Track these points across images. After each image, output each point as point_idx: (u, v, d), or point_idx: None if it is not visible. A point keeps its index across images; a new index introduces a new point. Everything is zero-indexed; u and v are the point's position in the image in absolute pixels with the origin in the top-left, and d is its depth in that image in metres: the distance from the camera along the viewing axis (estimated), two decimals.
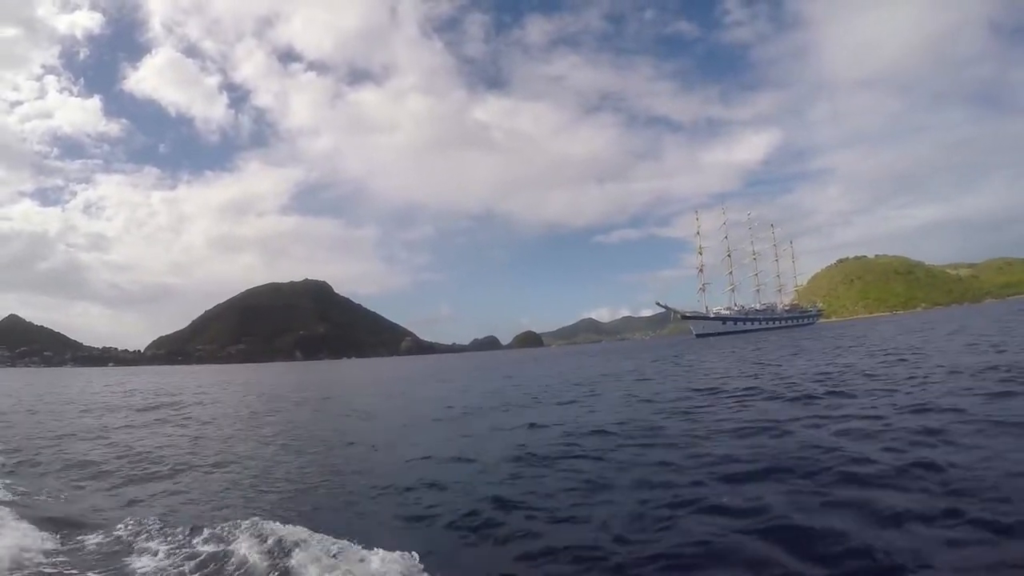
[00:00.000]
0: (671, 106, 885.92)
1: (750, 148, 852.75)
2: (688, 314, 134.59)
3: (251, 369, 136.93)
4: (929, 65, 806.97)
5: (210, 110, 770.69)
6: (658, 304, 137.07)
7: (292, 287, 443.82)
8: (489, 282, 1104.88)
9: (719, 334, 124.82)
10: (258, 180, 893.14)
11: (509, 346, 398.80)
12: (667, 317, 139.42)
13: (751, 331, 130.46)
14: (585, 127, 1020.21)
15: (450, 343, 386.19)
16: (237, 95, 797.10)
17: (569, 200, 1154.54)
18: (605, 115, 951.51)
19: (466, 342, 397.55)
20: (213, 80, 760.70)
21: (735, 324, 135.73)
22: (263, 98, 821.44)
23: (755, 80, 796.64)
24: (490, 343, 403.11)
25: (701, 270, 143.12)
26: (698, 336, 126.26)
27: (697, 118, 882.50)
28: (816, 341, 48.24)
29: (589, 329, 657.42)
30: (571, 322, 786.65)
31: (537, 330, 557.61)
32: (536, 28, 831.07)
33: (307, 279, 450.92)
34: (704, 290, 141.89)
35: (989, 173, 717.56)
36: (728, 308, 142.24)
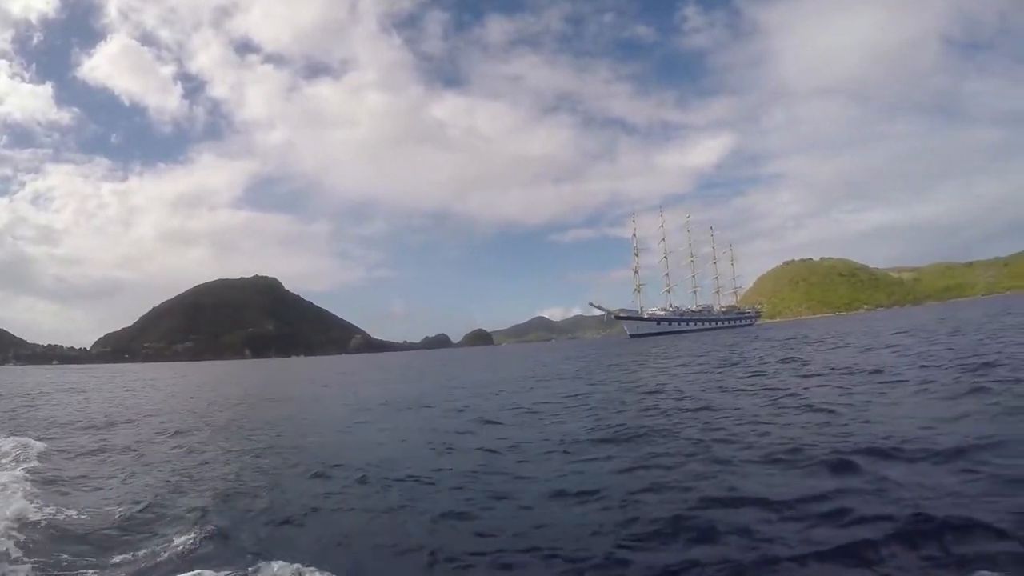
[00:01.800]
0: (627, 108, 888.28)
1: (704, 152, 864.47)
2: (622, 315, 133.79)
3: (187, 367, 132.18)
4: (884, 76, 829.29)
5: (164, 100, 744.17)
6: (591, 305, 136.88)
7: (242, 283, 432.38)
8: (443, 280, 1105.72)
9: (653, 335, 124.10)
10: (211, 173, 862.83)
11: (460, 344, 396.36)
12: (630, 314, 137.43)
13: (686, 332, 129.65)
14: (542, 127, 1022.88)
15: (401, 341, 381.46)
16: (192, 85, 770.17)
17: (524, 199, 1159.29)
18: (562, 116, 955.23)
19: (418, 340, 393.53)
20: (168, 69, 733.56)
21: (669, 325, 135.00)
22: (218, 89, 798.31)
23: (711, 85, 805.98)
24: (441, 341, 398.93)
25: (636, 271, 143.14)
26: (632, 336, 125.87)
27: (653, 121, 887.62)
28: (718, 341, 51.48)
29: (541, 328, 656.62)
30: (524, 320, 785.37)
31: (490, 328, 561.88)
32: (496, 27, 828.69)
33: (257, 275, 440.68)
34: (639, 291, 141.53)
35: (938, 181, 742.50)
36: (663, 309, 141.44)
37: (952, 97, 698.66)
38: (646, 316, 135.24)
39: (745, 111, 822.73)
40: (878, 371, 16.40)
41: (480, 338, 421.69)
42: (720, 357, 30.84)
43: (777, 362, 23.85)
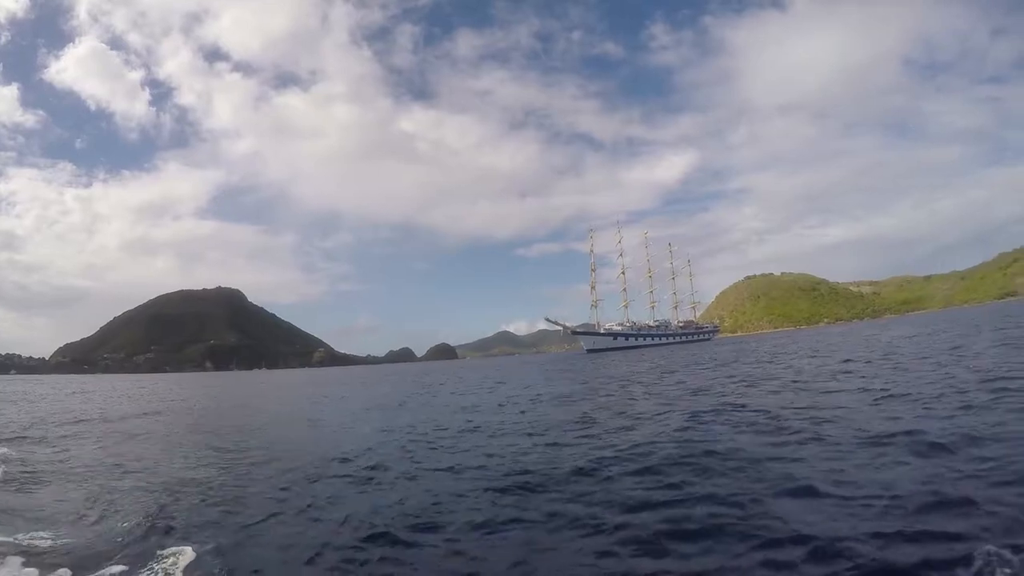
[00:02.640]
0: (594, 124, 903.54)
1: (669, 168, 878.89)
2: (578, 329, 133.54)
3: (146, 380, 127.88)
4: (845, 94, 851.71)
5: (131, 106, 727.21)
6: (547, 320, 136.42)
7: (205, 295, 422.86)
8: (408, 293, 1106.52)
9: (609, 349, 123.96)
10: (176, 181, 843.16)
11: (424, 358, 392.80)
12: (587, 329, 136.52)
13: (642, 347, 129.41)
14: (510, 142, 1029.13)
15: (365, 355, 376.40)
16: (160, 92, 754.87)
17: (491, 213, 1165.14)
18: (529, 131, 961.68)
19: (381, 354, 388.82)
20: (136, 75, 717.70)
21: (626, 340, 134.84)
22: (186, 97, 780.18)
23: (677, 103, 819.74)
24: (405, 355, 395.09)
25: (594, 287, 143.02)
26: (588, 351, 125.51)
27: (619, 137, 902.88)
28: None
29: (505, 342, 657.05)
30: (489, 334, 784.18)
31: (454, 342, 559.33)
32: (466, 42, 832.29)
33: (220, 287, 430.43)
34: (596, 306, 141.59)
35: (897, 197, 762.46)
36: (620, 324, 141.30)
37: (911, 115, 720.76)
38: (602, 331, 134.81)
39: (710, 128, 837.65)
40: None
41: (444, 352, 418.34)
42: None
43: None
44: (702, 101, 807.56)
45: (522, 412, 18.56)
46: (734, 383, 21.37)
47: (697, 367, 34.30)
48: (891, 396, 13.75)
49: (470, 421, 17.17)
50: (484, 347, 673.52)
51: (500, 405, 21.56)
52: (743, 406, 14.57)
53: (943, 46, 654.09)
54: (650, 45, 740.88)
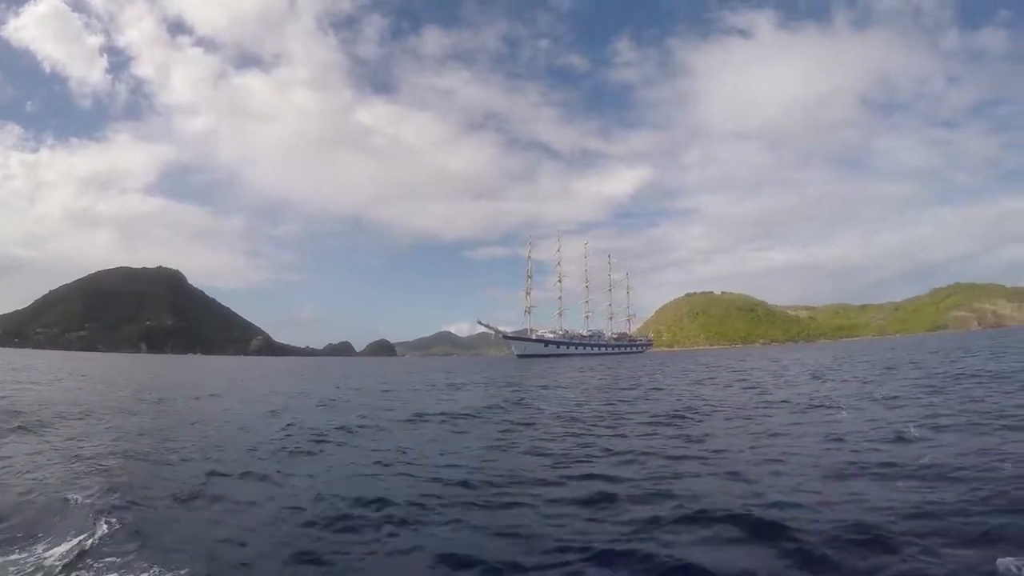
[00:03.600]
0: (552, 133, 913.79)
1: (622, 182, 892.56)
2: (510, 335, 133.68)
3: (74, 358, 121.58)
4: (800, 126, 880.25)
5: (87, 72, 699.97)
6: (480, 323, 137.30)
7: (144, 274, 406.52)
8: (352, 287, 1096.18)
9: (540, 356, 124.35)
10: (127, 154, 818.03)
11: (362, 353, 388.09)
12: (520, 335, 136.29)
13: (573, 355, 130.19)
14: (467, 143, 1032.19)
15: (303, 346, 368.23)
16: (118, 60, 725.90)
17: (442, 213, 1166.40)
18: (488, 134, 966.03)
19: (320, 346, 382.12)
20: (96, 40, 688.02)
21: (557, 347, 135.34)
22: (144, 67, 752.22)
23: (635, 119, 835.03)
24: (344, 349, 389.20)
25: (528, 293, 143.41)
26: (519, 356, 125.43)
27: (575, 148, 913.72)
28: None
29: (445, 342, 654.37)
30: (429, 334, 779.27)
31: (395, 339, 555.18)
32: (433, 39, 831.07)
33: (161, 267, 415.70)
34: (530, 312, 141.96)
35: (842, 228, 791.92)
36: (552, 332, 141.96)
37: (863, 151, 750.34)
38: (534, 338, 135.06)
39: (665, 146, 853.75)
40: None
41: (383, 349, 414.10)
42: None
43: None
44: (660, 120, 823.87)
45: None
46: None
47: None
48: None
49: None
50: (424, 346, 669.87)
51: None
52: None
53: (901, 88, 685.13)
54: (614, 60, 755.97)
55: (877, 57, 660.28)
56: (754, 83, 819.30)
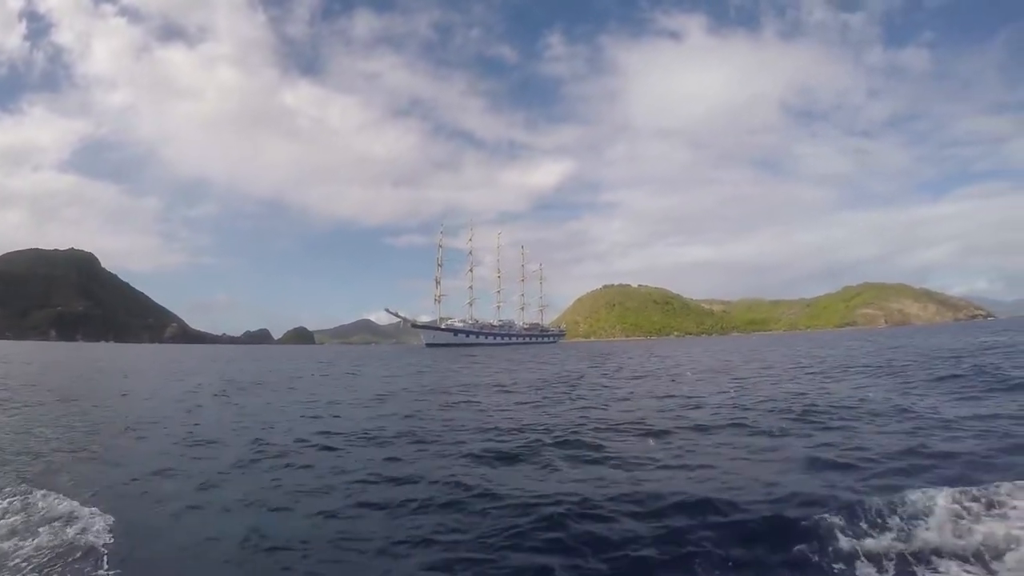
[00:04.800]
0: (478, 123, 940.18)
1: (546, 174, 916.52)
2: (419, 323, 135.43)
3: None
4: (722, 128, 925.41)
5: (5, 37, 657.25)
6: (387, 311, 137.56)
7: (56, 256, 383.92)
8: (272, 272, 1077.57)
9: (449, 345, 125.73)
10: (41, 128, 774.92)
11: (281, 341, 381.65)
12: (431, 324, 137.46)
13: (483, 345, 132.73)
14: (391, 129, 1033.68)
15: (220, 333, 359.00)
16: (38, 26, 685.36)
17: (364, 199, 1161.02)
18: (413, 120, 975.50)
19: (238, 333, 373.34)
20: (15, 3, 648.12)
21: (467, 337, 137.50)
22: (64, 35, 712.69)
23: (562, 113, 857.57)
24: (262, 336, 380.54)
25: (439, 281, 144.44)
26: (428, 345, 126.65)
27: (501, 138, 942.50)
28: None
29: (366, 330, 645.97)
30: (349, 321, 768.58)
31: (314, 327, 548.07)
32: (364, 22, 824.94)
33: (73, 248, 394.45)
34: (439, 301, 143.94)
35: (758, 227, 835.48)
36: (462, 321, 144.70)
37: (782, 155, 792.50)
38: (443, 327, 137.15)
39: (590, 141, 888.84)
40: None
41: (301, 337, 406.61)
42: None
43: None
44: (586, 115, 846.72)
45: None
46: None
47: None
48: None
49: None
50: (344, 334, 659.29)
51: None
52: None
53: (822, 97, 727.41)
54: (544, 54, 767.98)
55: (802, 67, 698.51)
56: (681, 84, 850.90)
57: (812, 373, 22.61)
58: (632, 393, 18.60)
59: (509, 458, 9.15)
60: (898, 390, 15.28)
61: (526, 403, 16.57)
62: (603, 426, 11.69)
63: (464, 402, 17.62)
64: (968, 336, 48.05)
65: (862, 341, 56.28)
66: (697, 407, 13.97)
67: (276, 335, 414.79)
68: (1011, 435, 9.08)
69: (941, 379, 17.09)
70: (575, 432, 10.95)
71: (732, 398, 15.23)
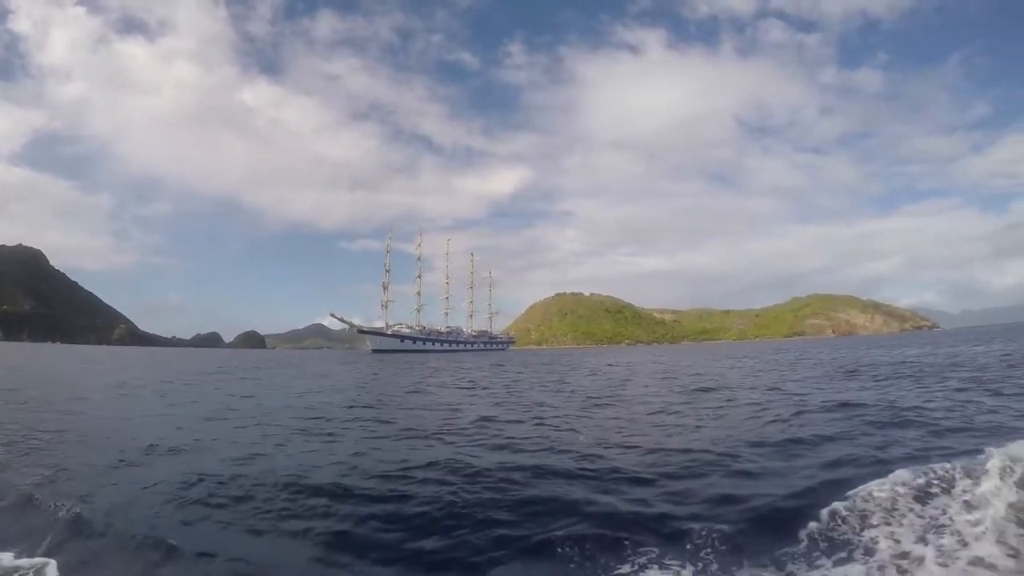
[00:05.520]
0: (436, 128, 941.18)
1: (502, 181, 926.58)
2: (365, 329, 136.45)
3: None
4: (677, 141, 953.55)
5: None
6: (332, 316, 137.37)
7: (2, 252, 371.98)
8: (224, 274, 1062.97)
9: (395, 351, 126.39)
10: None
11: (231, 345, 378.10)
12: (377, 330, 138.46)
13: (429, 351, 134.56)
14: (349, 132, 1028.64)
15: (170, 336, 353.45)
16: None
17: (319, 202, 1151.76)
18: (371, 124, 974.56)
19: (188, 336, 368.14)
20: None
21: (413, 343, 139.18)
22: (22, 23, 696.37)
23: (520, 121, 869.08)
24: (213, 340, 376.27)
25: (386, 287, 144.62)
26: (374, 351, 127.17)
27: (458, 144, 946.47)
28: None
29: (319, 335, 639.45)
30: (302, 326, 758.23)
31: (266, 331, 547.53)
32: (326, 23, 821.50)
33: (21, 245, 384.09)
34: (387, 307, 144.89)
35: (709, 238, 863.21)
36: (409, 327, 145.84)
37: (735, 168, 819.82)
38: (389, 333, 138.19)
39: (546, 150, 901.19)
40: None
41: (252, 341, 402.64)
42: None
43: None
44: (543, 123, 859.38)
45: None
46: None
47: None
48: None
49: None
50: (296, 339, 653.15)
51: None
52: None
53: (776, 113, 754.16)
54: (505, 62, 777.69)
55: (758, 84, 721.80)
56: (638, 97, 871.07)
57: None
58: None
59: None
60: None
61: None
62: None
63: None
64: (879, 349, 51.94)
65: (780, 352, 60.54)
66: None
67: (228, 339, 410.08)
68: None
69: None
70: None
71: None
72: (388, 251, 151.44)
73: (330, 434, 12.20)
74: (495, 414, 15.19)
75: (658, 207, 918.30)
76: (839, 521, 5.64)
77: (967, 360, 27.91)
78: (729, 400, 16.75)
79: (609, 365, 45.20)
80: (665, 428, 12.17)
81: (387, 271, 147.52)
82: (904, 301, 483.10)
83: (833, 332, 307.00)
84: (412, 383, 28.79)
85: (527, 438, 11.24)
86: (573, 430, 12.20)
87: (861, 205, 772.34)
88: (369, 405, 18.46)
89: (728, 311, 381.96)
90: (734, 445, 9.70)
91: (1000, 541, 4.85)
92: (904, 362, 29.44)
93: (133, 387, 25.93)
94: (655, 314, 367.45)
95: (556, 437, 11.32)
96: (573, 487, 7.57)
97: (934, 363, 27.40)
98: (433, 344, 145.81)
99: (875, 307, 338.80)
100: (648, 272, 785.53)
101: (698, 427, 12.10)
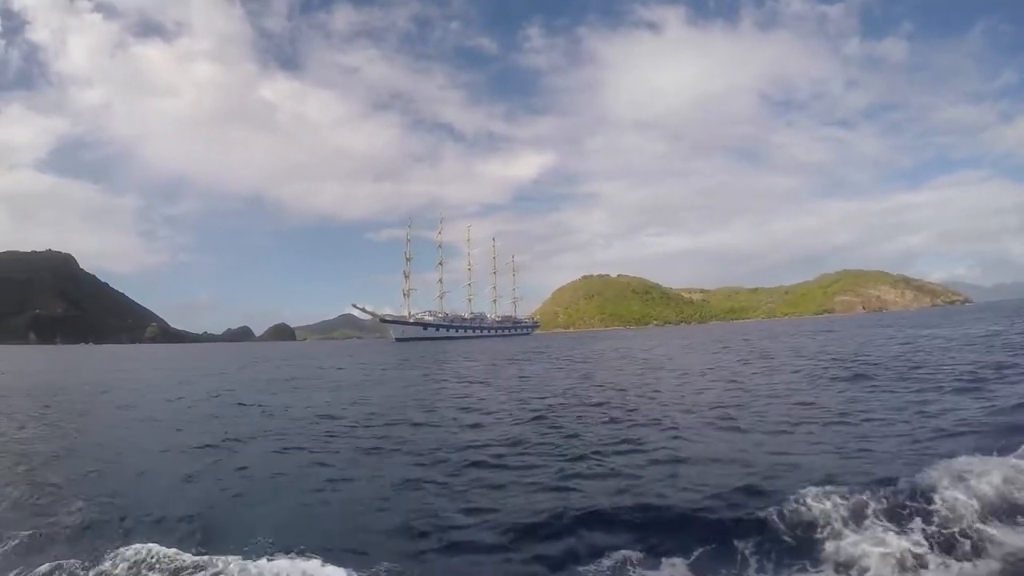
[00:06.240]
0: (457, 115, 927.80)
1: (526, 166, 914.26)
2: (388, 318, 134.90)
3: None
4: (701, 118, 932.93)
5: None
6: (354, 306, 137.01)
7: (33, 258, 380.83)
8: (253, 269, 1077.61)
9: (419, 339, 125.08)
10: (17, 126, 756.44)
11: (262, 338, 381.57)
12: (400, 318, 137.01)
13: (454, 338, 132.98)
14: (370, 123, 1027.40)
15: (201, 332, 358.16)
16: (13, 24, 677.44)
17: (343, 193, 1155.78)
18: (392, 114, 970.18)
19: (219, 332, 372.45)
20: None
21: (436, 330, 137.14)
22: (40, 33, 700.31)
23: (541, 104, 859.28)
24: (243, 334, 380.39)
25: (407, 275, 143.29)
26: (398, 340, 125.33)
27: (480, 130, 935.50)
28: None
29: (348, 325, 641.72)
30: (331, 317, 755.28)
31: (296, 323, 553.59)
32: (343, 16, 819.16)
33: (51, 250, 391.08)
34: (408, 295, 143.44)
35: (736, 215, 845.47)
36: (431, 314, 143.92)
37: (760, 145, 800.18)
38: (412, 321, 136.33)
39: (569, 133, 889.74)
40: None
41: (282, 333, 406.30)
42: None
43: None
44: (565, 106, 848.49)
45: None
46: None
47: None
48: None
49: None
50: (326, 329, 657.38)
51: None
52: None
53: (800, 87, 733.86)
54: (524, 46, 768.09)
55: (780, 58, 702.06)
56: (659, 75, 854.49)
57: None
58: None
59: None
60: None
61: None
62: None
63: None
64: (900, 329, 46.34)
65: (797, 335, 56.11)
66: None
67: (258, 332, 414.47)
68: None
69: None
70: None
71: None
72: (408, 240, 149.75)
73: None
74: None
75: (683, 186, 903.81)
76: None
77: None
78: None
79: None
80: None
81: (408, 260, 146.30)
82: (935, 276, 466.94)
83: (863, 308, 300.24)
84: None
85: None
86: None
87: (890, 179, 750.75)
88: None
89: (756, 289, 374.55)
90: None
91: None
92: None
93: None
94: (683, 294, 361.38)
95: None
96: None
97: None
98: (456, 330, 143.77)
99: (906, 282, 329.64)
100: (675, 252, 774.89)
101: None
